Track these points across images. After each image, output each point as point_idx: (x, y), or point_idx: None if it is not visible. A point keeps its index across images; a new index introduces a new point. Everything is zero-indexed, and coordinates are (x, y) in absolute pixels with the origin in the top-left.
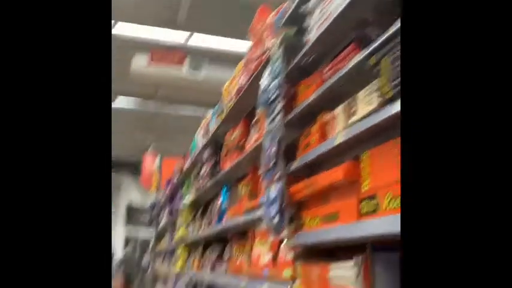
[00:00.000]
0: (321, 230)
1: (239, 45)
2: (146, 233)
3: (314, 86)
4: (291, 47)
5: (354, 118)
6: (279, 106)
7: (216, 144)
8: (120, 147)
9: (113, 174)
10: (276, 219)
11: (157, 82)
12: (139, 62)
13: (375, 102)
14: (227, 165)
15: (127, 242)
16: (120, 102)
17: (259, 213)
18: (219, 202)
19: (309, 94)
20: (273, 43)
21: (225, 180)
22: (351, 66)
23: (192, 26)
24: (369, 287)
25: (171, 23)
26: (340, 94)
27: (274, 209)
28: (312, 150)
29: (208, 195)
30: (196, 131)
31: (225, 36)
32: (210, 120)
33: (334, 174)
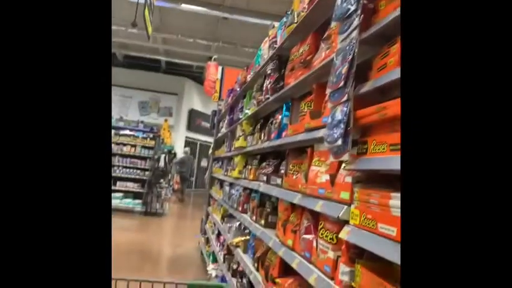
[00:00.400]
0: (387, 158)
1: None
2: (206, 137)
3: (399, 0)
4: None
5: None
6: (356, 21)
7: (281, 57)
8: (185, 52)
9: (177, 79)
10: (340, 142)
11: None
12: None
13: None
14: (291, 80)
15: (187, 144)
16: (186, 7)
17: (321, 133)
18: (280, 117)
19: (392, 10)
20: None
21: (288, 96)
22: None
23: None
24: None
25: None
26: None
27: (338, 131)
28: (389, 72)
29: (270, 109)
30: (261, 43)
31: None
32: (277, 32)
33: None
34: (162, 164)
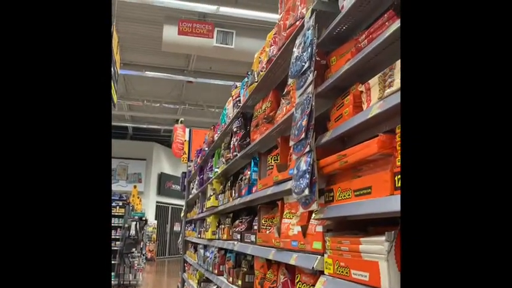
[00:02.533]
0: (353, 204)
1: (268, 16)
2: (178, 200)
3: (348, 55)
4: (324, 15)
5: (391, 89)
6: (310, 77)
7: (245, 115)
8: (151, 117)
9: (145, 144)
10: (306, 192)
11: (187, 52)
12: (170, 32)
13: None
14: (257, 136)
15: (158, 209)
16: (152, 74)
17: (289, 185)
18: (249, 173)
19: (343, 64)
20: (305, 11)
21: (255, 151)
22: (388, 34)
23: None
24: (400, 262)
25: None
26: (375, 64)
27: (304, 182)
28: (345, 122)
29: (238, 166)
30: (226, 103)
31: (253, 9)
32: (240, 91)
33: (368, 148)
34: (133, 232)
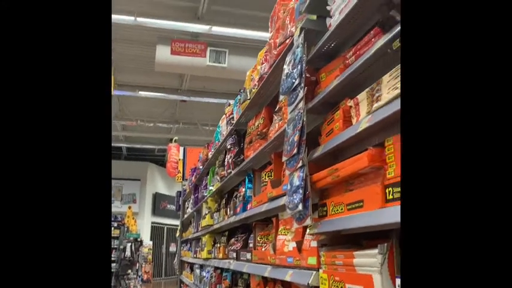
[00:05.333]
0: (345, 218)
1: (259, 35)
2: (173, 220)
3: (337, 72)
4: (312, 33)
5: (379, 103)
6: (301, 93)
7: (239, 132)
8: (145, 137)
9: (139, 164)
10: (300, 207)
11: (180, 71)
12: (163, 52)
13: (399, 86)
14: (251, 153)
15: (153, 229)
16: (145, 94)
17: (283, 201)
18: (244, 190)
19: (332, 80)
20: (295, 29)
21: (249, 168)
22: (374, 50)
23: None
24: (393, 274)
25: (192, 17)
26: (363, 79)
27: (297, 197)
28: (335, 137)
29: (233, 183)
30: (219, 121)
31: (245, 29)
32: (233, 109)
33: (359, 161)
34: (128, 253)
